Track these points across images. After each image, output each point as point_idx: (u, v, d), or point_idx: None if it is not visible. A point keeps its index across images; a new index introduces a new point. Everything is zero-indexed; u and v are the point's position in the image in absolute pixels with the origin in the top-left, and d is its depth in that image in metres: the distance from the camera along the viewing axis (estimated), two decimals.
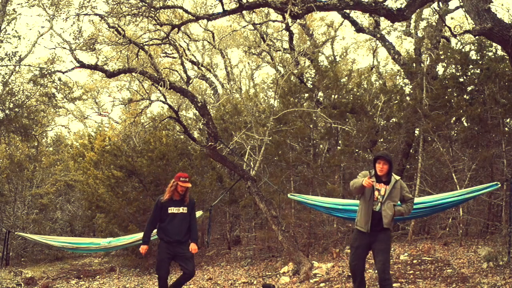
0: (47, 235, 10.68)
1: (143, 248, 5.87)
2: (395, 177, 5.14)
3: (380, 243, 5.04)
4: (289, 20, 8.66)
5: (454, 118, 9.78)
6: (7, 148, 13.40)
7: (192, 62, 14.90)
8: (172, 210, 5.75)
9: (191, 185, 6.15)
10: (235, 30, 13.27)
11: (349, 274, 6.96)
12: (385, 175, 5.08)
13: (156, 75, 8.62)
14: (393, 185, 5.06)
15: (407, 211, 5.15)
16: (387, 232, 5.10)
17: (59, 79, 11.01)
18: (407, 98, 10.27)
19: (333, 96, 10.39)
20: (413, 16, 10.72)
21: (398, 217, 5.39)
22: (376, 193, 5.07)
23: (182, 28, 9.48)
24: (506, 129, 9.15)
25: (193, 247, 5.78)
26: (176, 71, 15.28)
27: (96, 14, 8.28)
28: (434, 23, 10.45)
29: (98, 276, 10.52)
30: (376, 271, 6.29)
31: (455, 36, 8.18)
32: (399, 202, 5.16)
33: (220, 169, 11.67)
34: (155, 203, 5.92)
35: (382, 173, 5.07)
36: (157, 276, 5.98)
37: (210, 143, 8.37)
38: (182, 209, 5.78)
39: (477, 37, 8.27)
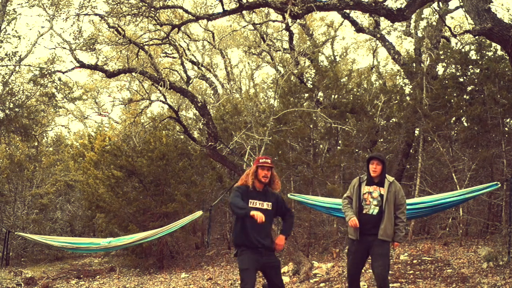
0: (47, 235, 10.67)
1: (257, 215, 4.06)
2: (388, 178, 4.91)
3: (379, 247, 4.80)
4: (289, 20, 8.68)
5: (454, 118, 9.78)
6: (7, 148, 13.40)
7: (192, 62, 14.91)
8: (254, 203, 4.27)
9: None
10: (235, 30, 13.29)
11: None
12: (378, 175, 4.88)
13: (156, 75, 8.63)
14: (388, 189, 4.82)
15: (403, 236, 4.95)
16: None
17: (59, 79, 11.02)
18: (407, 98, 10.27)
19: (333, 96, 10.38)
20: (413, 16, 10.71)
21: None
22: (367, 196, 4.86)
23: (182, 28, 9.49)
24: (506, 129, 9.16)
25: (278, 240, 4.38)
26: (176, 71, 15.29)
27: (96, 14, 8.31)
28: (434, 23, 10.44)
29: (98, 276, 10.52)
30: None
31: (455, 36, 8.19)
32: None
33: (220, 169, 11.67)
34: (235, 189, 4.37)
35: (376, 173, 4.86)
36: None
37: (210, 143, 8.38)
38: (267, 205, 4.32)
39: (477, 37, 8.27)
